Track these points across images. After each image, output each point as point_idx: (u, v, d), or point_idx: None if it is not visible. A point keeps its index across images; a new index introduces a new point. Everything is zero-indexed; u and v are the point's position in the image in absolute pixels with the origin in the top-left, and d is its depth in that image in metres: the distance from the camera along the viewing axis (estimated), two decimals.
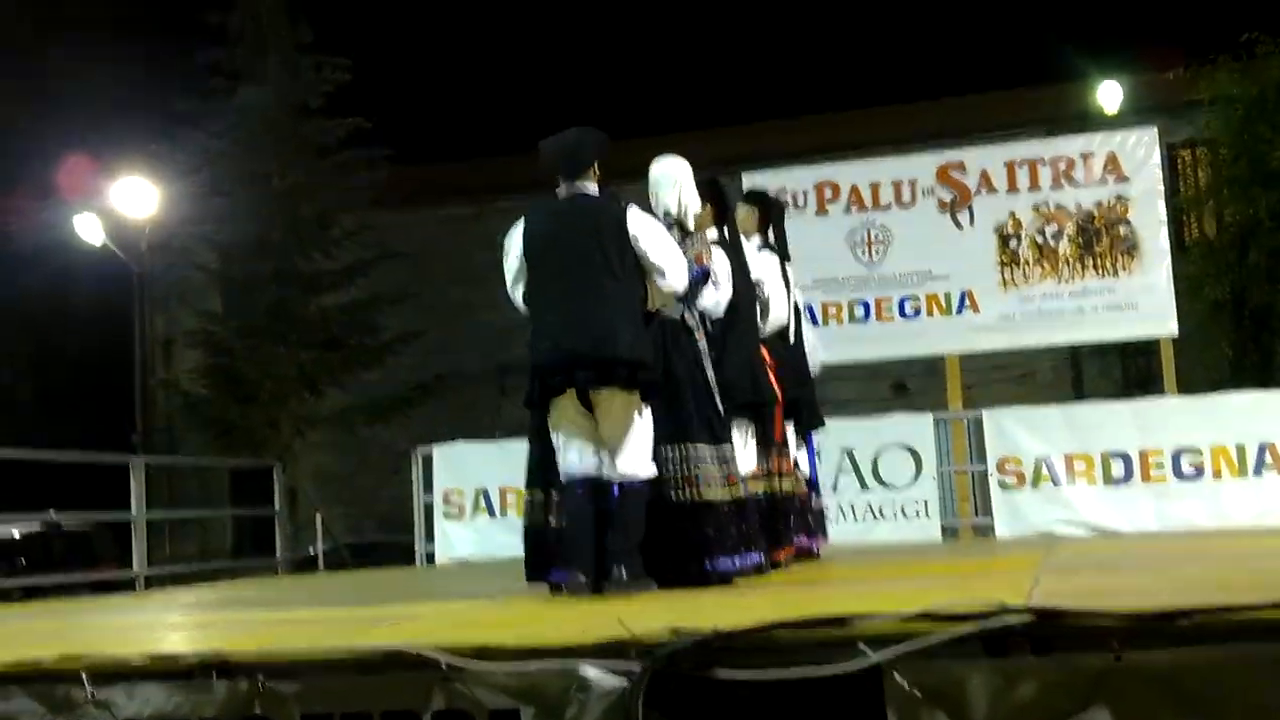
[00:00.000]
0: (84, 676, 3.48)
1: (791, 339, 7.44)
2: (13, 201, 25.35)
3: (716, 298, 6.17)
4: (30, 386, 32.07)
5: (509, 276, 5.77)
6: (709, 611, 4.26)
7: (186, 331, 22.28)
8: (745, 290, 6.60)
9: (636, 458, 5.49)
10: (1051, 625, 3.10)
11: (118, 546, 15.31)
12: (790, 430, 7.26)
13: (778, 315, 7.11)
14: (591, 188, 5.69)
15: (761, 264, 7.08)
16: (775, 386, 6.81)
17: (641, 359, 5.47)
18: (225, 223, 21.32)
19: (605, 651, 3.21)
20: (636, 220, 5.56)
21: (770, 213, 7.57)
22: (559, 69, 48.89)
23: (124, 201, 21.39)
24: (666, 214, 6.13)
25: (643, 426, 5.52)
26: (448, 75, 49.13)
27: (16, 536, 15.56)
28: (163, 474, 24.16)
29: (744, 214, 7.35)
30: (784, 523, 6.82)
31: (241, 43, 21.32)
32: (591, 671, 3.16)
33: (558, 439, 5.57)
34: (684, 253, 5.79)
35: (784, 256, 7.40)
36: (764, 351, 6.87)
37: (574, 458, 5.52)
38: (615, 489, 5.46)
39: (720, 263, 6.29)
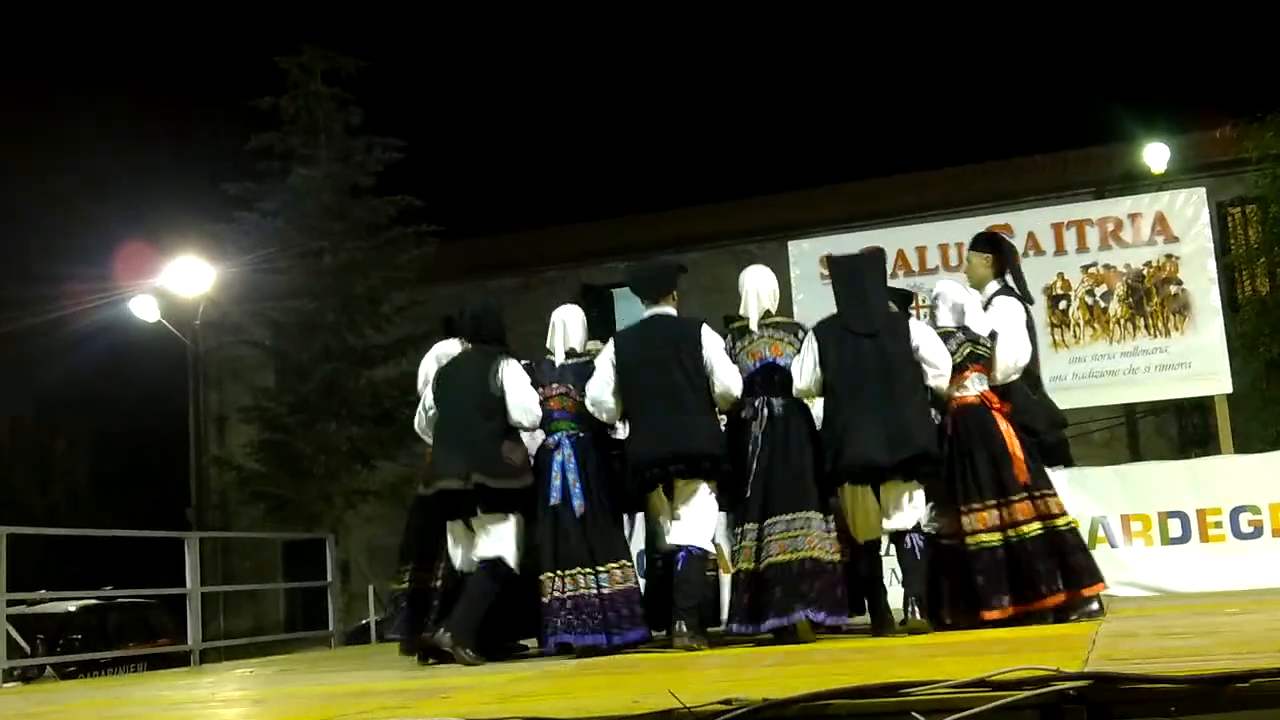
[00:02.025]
0: None
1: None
2: (71, 285, 25.79)
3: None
4: (87, 464, 32.50)
5: (597, 384, 6.74)
6: (763, 680, 4.23)
7: (240, 408, 22.48)
8: (868, 354, 6.54)
9: (700, 530, 6.56)
10: (1108, 690, 3.07)
11: (173, 621, 15.38)
12: (1058, 474, 6.97)
13: (1008, 362, 6.74)
14: (671, 310, 6.87)
15: (999, 310, 6.86)
16: (930, 441, 6.50)
17: (717, 454, 6.56)
18: (278, 300, 21.59)
19: None
20: (706, 339, 6.65)
21: (1006, 256, 7.25)
22: (608, 141, 49.40)
23: (178, 281, 21.73)
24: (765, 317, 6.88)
25: (711, 506, 6.63)
26: (494, 151, 49.73)
27: (73, 610, 15.66)
28: (217, 548, 24.33)
29: (977, 261, 7.13)
30: (1026, 575, 6.45)
31: (293, 126, 21.70)
32: None
33: (649, 521, 6.81)
34: (740, 352, 6.71)
35: (1026, 299, 7.13)
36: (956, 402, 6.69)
37: (669, 535, 6.60)
38: (681, 554, 6.50)
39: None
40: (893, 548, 6.66)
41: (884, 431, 6.39)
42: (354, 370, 20.76)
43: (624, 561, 6.71)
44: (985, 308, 6.97)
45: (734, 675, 4.59)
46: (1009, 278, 7.15)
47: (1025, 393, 6.85)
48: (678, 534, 6.54)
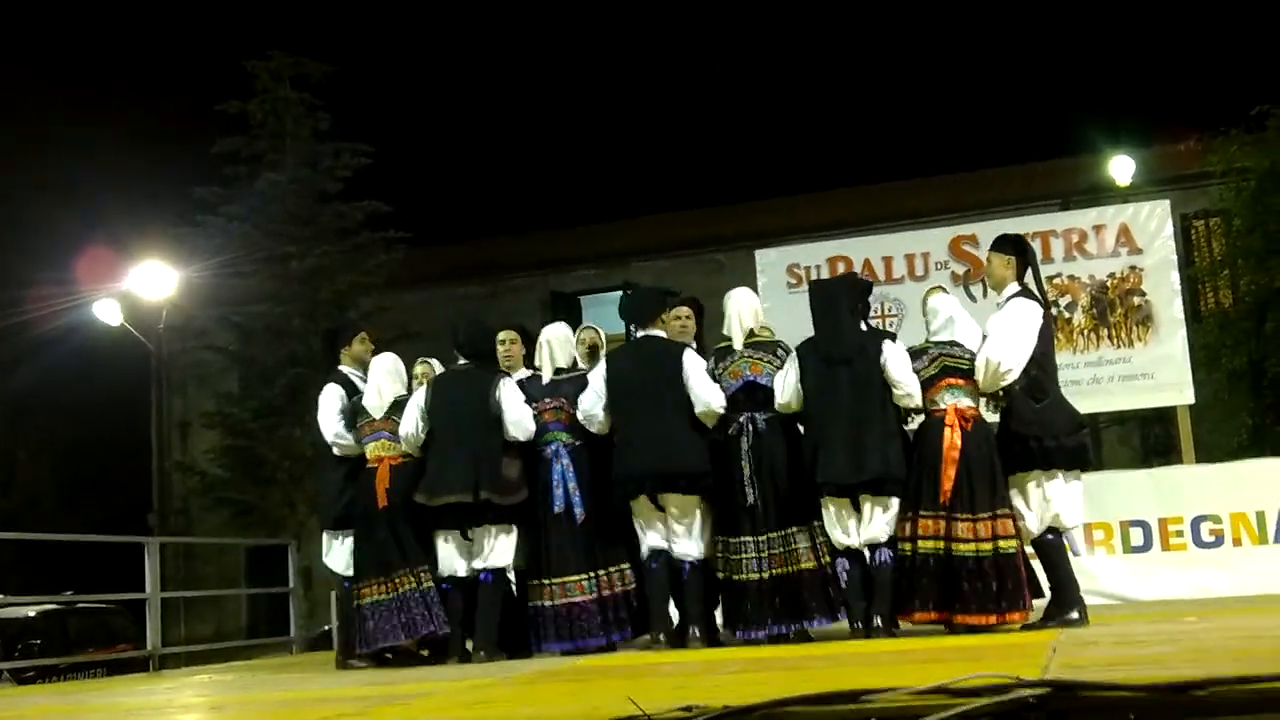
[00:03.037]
0: None
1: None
2: (33, 288, 25.57)
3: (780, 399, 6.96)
4: (48, 468, 32.17)
5: (589, 399, 7.15)
6: (724, 687, 4.23)
7: (204, 413, 22.36)
8: (841, 380, 6.77)
9: (693, 543, 6.99)
10: (1068, 698, 3.07)
11: (134, 626, 15.24)
12: (1065, 479, 6.76)
13: (989, 363, 6.62)
14: (660, 333, 7.27)
15: (1005, 311, 6.79)
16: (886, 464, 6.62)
17: (696, 470, 6.91)
18: (244, 305, 21.47)
19: None
20: (687, 362, 7.02)
21: (1028, 258, 7.05)
22: (574, 149, 49.35)
23: (142, 285, 21.56)
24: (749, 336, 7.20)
25: (699, 519, 7.00)
26: (463, 158, 49.61)
27: (32, 615, 15.50)
28: (179, 554, 24.15)
29: (997, 262, 7.04)
30: (920, 588, 6.55)
31: (261, 131, 21.62)
32: None
33: (639, 526, 7.06)
34: (723, 372, 7.01)
35: (1045, 303, 6.98)
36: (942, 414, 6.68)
37: (650, 539, 7.02)
38: (685, 566, 6.95)
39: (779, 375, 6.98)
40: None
41: (850, 454, 6.66)
42: (319, 376, 20.64)
43: (623, 565, 7.18)
44: (1000, 309, 6.92)
45: (694, 682, 4.58)
46: (1029, 280, 7.08)
47: (1029, 405, 6.70)
48: (676, 547, 6.99)
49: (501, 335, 7.71)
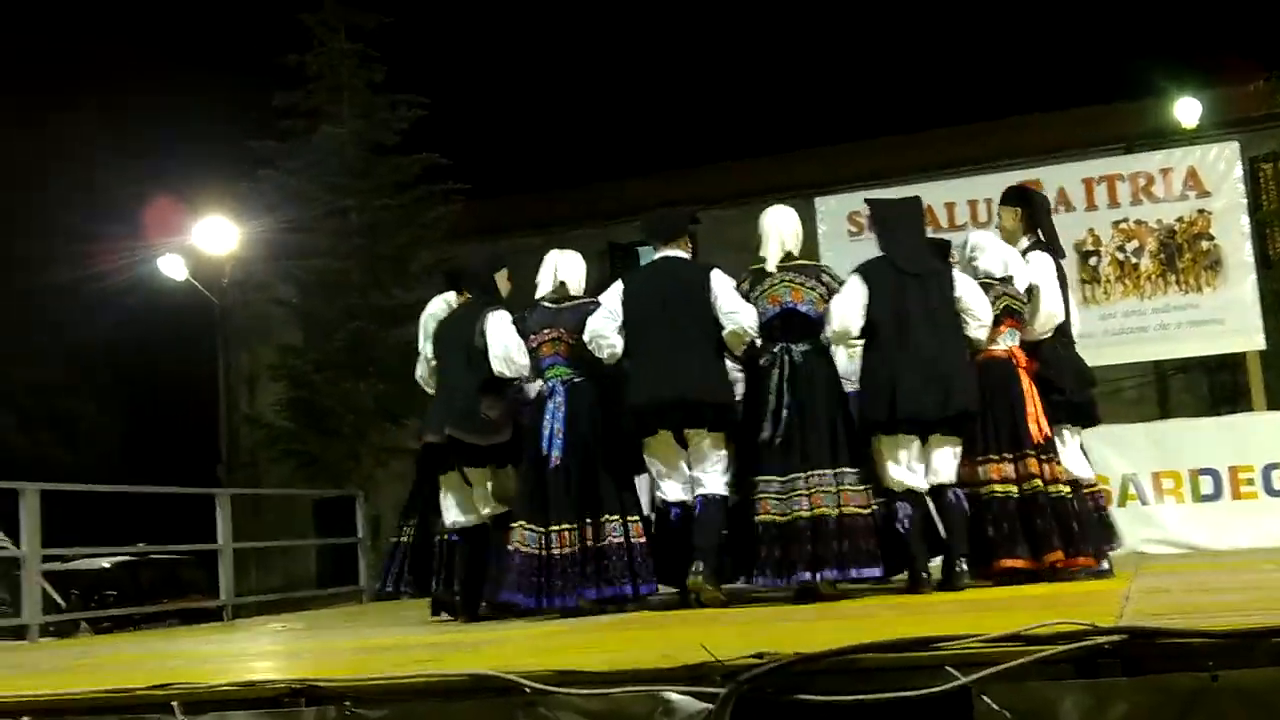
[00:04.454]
0: (175, 705, 3.52)
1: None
2: (99, 244, 25.88)
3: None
4: (117, 422, 32.70)
5: (600, 317, 6.48)
6: (794, 634, 4.24)
7: (268, 366, 22.59)
8: (916, 298, 6.40)
9: (716, 479, 6.36)
10: (1144, 645, 3.05)
11: (204, 577, 15.52)
12: (1070, 434, 6.83)
13: (1047, 317, 6.73)
14: (681, 253, 6.66)
15: (1035, 264, 6.81)
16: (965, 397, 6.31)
17: (723, 402, 6.36)
18: (305, 258, 21.62)
19: (689, 675, 3.20)
20: (715, 280, 6.40)
21: (1036, 209, 7.10)
22: (633, 99, 49.10)
23: (206, 239, 21.79)
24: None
25: (724, 455, 6.41)
26: (520, 109, 49.52)
27: (107, 567, 15.83)
28: (248, 505, 24.45)
29: (1007, 216, 7.05)
30: (1035, 529, 6.36)
31: (318, 84, 21.68)
32: (675, 696, 3.15)
33: (655, 470, 6.47)
34: (760, 296, 6.43)
35: (1058, 254, 7.00)
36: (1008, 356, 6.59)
37: (670, 487, 6.43)
38: (699, 502, 6.31)
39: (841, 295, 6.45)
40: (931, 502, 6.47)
41: (933, 384, 6.20)
42: (380, 329, 20.80)
43: (614, 515, 6.43)
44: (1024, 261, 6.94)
45: (765, 629, 4.59)
46: (1040, 232, 7.08)
47: (1055, 349, 6.84)
48: (695, 486, 6.35)
49: None
